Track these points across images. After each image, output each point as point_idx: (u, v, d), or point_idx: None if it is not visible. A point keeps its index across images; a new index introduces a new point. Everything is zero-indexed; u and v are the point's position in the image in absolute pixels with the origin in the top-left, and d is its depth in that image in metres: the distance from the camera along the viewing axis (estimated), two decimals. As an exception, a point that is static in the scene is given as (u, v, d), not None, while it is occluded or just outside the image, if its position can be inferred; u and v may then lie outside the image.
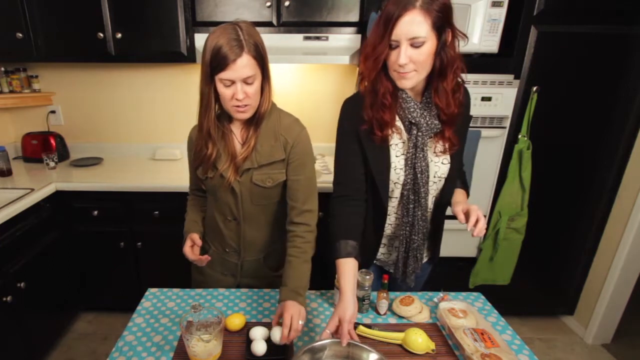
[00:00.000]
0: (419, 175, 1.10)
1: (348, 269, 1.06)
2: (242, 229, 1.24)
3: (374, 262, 1.32)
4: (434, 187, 1.17)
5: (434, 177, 1.14)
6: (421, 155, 1.09)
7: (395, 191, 1.16)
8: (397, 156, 1.13)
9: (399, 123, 1.11)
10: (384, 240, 1.27)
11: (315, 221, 1.21)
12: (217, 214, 1.26)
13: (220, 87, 1.04)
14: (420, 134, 1.08)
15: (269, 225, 1.26)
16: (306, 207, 1.18)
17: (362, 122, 1.10)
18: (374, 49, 1.00)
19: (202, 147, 1.15)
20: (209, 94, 1.07)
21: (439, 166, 1.14)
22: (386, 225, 1.23)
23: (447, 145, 1.11)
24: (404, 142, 1.12)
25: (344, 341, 0.95)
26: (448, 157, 1.14)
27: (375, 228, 1.22)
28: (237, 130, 1.18)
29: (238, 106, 1.06)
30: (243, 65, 1.00)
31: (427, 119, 1.08)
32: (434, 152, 1.13)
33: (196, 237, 1.23)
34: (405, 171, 1.12)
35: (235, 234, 1.25)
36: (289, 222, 1.20)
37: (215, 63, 1.01)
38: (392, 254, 1.29)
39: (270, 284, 1.33)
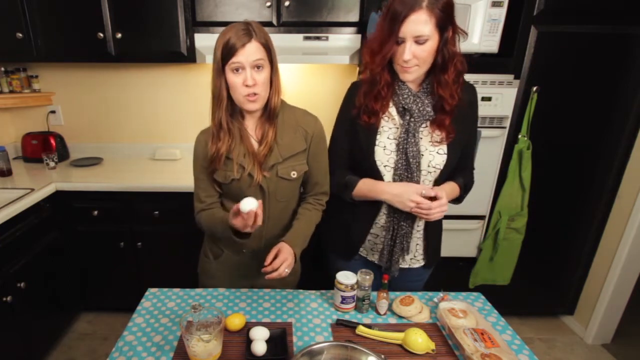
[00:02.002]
0: (411, 160, 1.14)
1: (365, 180, 1.23)
2: (266, 229, 1.24)
3: (360, 252, 1.35)
4: (429, 177, 1.20)
5: (428, 166, 1.17)
6: (412, 141, 1.15)
7: (387, 175, 1.20)
8: (388, 138, 1.19)
9: (392, 109, 1.18)
10: (373, 229, 1.29)
11: (327, 199, 1.32)
12: None
13: (231, 77, 1.07)
14: (412, 120, 1.15)
15: (289, 223, 1.26)
16: (323, 189, 1.30)
17: (354, 107, 1.20)
18: (381, 46, 1.08)
19: (215, 143, 1.14)
20: (220, 87, 1.10)
21: (433, 155, 1.17)
22: (380, 214, 1.26)
23: (444, 135, 1.15)
24: (397, 128, 1.18)
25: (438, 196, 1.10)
26: (444, 147, 1.17)
27: (368, 212, 1.27)
28: (251, 130, 1.19)
29: (248, 95, 1.08)
30: (252, 51, 1.04)
31: (420, 106, 1.14)
32: (430, 141, 1.17)
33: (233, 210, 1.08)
34: (396, 155, 1.18)
35: (257, 235, 1.23)
36: (303, 200, 1.31)
37: (225, 52, 1.04)
38: (379, 243, 1.30)
39: (283, 282, 1.31)
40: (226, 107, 1.12)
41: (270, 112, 1.15)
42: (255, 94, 1.08)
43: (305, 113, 1.24)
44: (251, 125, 1.19)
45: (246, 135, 1.17)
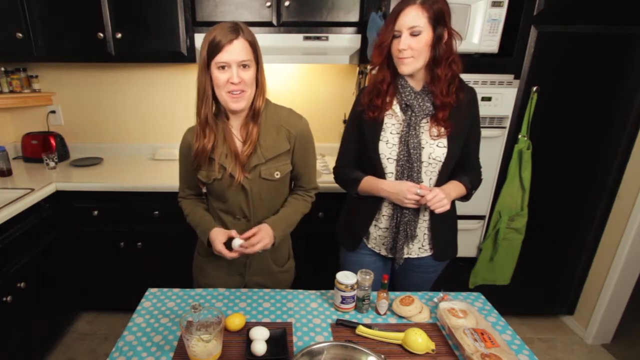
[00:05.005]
0: (412, 151, 1.23)
1: (369, 178, 1.30)
2: (252, 226, 1.24)
3: (369, 246, 1.40)
4: (430, 169, 1.26)
5: (429, 157, 1.24)
6: (413, 133, 1.23)
7: (389, 167, 1.28)
8: (391, 133, 1.27)
9: (396, 107, 1.27)
10: (381, 220, 1.35)
11: (316, 192, 1.35)
12: (225, 214, 1.26)
13: (216, 73, 1.06)
14: (413, 114, 1.24)
15: None
16: (312, 186, 1.32)
17: (360, 105, 1.31)
18: (382, 39, 1.20)
19: (200, 140, 1.15)
20: (206, 84, 1.09)
21: (433, 148, 1.24)
22: (383, 205, 1.33)
23: (442, 129, 1.23)
24: (400, 124, 1.27)
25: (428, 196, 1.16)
26: (444, 141, 1.24)
27: (371, 203, 1.34)
28: (236, 130, 1.19)
29: (232, 92, 1.07)
30: (239, 48, 1.04)
31: (420, 102, 1.23)
32: (430, 136, 1.25)
33: (224, 231, 1.21)
34: (398, 147, 1.26)
35: (245, 232, 1.24)
36: (293, 191, 1.33)
37: (211, 49, 1.04)
38: (388, 236, 1.35)
39: (276, 280, 1.34)
40: (211, 104, 1.13)
41: (255, 113, 1.15)
42: (241, 91, 1.08)
43: (290, 113, 1.23)
44: (236, 125, 1.19)
45: (230, 135, 1.17)
